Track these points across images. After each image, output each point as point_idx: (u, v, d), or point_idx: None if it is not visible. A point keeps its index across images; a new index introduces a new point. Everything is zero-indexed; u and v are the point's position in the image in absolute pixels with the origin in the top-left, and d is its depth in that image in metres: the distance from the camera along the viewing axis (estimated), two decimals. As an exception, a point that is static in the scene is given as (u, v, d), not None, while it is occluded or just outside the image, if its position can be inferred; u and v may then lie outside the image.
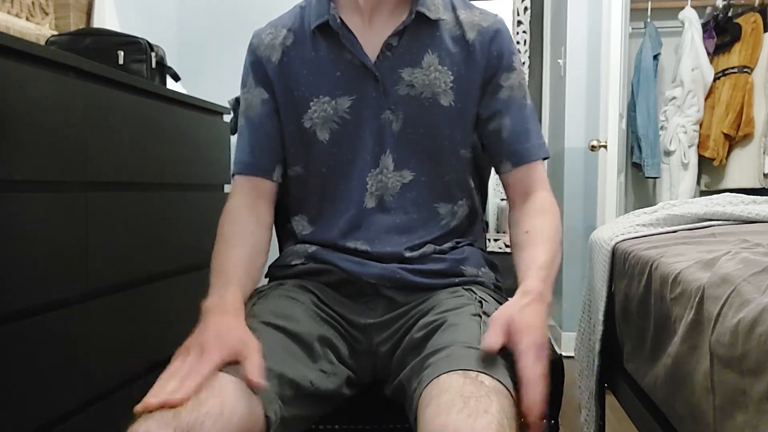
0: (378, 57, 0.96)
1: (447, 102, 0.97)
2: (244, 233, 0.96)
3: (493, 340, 0.75)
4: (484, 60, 0.99)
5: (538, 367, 0.73)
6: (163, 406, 0.65)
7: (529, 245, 0.93)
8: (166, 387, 0.68)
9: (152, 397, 0.66)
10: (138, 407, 0.65)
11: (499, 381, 0.73)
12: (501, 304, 0.95)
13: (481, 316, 0.86)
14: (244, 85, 1.05)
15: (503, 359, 0.78)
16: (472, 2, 1.05)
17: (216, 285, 0.87)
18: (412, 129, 0.97)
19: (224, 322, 0.80)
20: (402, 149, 0.98)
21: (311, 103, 0.98)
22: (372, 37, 0.97)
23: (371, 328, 0.94)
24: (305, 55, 0.99)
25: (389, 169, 0.97)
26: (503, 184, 1.04)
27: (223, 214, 0.98)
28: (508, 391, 0.73)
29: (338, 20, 0.96)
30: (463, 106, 0.98)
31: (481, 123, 1.01)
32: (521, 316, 0.78)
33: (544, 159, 1.03)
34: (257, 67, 1.02)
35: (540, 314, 0.79)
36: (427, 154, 0.98)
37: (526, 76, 3.31)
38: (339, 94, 0.97)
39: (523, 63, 3.32)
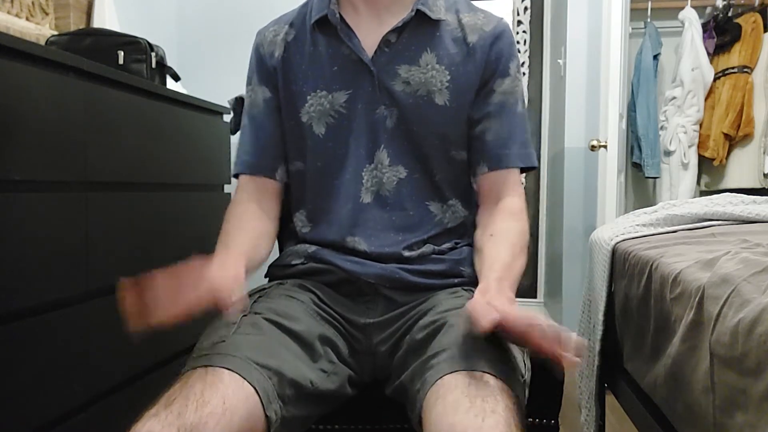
0: (375, 52, 0.97)
1: (442, 101, 0.97)
2: (250, 219, 0.99)
3: (482, 323, 0.70)
4: (483, 62, 0.99)
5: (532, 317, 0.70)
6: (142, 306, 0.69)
7: (491, 247, 0.93)
8: (146, 284, 0.71)
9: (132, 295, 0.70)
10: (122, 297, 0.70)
11: (504, 381, 0.73)
12: None
13: None
14: (248, 83, 1.06)
15: (506, 359, 0.78)
16: (475, 2, 1.05)
17: (218, 253, 0.90)
18: (405, 126, 0.97)
19: (217, 266, 0.82)
20: (396, 145, 0.98)
21: (308, 97, 0.99)
22: (371, 32, 0.97)
23: (371, 328, 0.94)
24: (305, 50, 1.00)
25: (384, 164, 0.98)
26: (476, 187, 1.03)
27: (228, 207, 1.01)
28: (513, 391, 0.73)
29: (337, 15, 0.96)
30: (458, 106, 0.98)
31: (468, 124, 1.01)
32: (491, 301, 0.76)
33: (531, 169, 1.02)
34: (261, 65, 1.03)
35: (507, 301, 0.78)
36: (418, 152, 0.98)
37: (526, 78, 3.31)
38: (336, 89, 0.97)
39: (523, 63, 3.32)
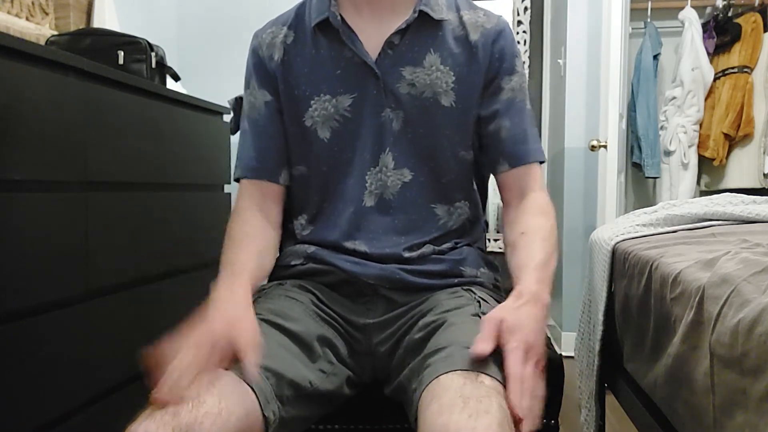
0: (379, 55, 0.96)
1: (448, 102, 0.97)
2: (254, 232, 0.97)
3: (482, 344, 0.74)
4: (487, 61, 0.98)
5: (527, 367, 0.73)
6: (177, 403, 0.65)
7: (525, 245, 0.92)
8: (180, 383, 0.68)
9: (166, 394, 0.66)
10: (155, 397, 0.65)
11: (499, 381, 0.73)
12: (500, 303, 0.95)
13: (480, 317, 0.86)
14: (247, 86, 1.04)
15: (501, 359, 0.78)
16: (475, 2, 1.05)
17: (225, 277, 0.88)
18: (411, 128, 0.97)
19: (234, 313, 0.80)
20: (402, 148, 0.97)
21: (312, 102, 0.98)
22: (374, 35, 0.96)
23: (370, 328, 0.94)
24: (306, 53, 0.99)
25: (389, 167, 0.97)
26: (498, 184, 1.04)
27: (231, 216, 0.99)
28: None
29: (338, 17, 0.96)
30: (464, 107, 0.98)
31: (480, 123, 1.01)
32: (513, 316, 0.77)
33: (540, 163, 1.03)
34: (260, 68, 1.02)
35: (533, 315, 0.79)
36: (425, 154, 0.98)
37: (527, 77, 3.31)
38: (340, 92, 0.97)
39: (523, 63, 3.32)
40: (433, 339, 0.82)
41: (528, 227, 0.95)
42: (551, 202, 1.01)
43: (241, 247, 0.94)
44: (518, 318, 0.77)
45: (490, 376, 0.73)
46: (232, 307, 0.81)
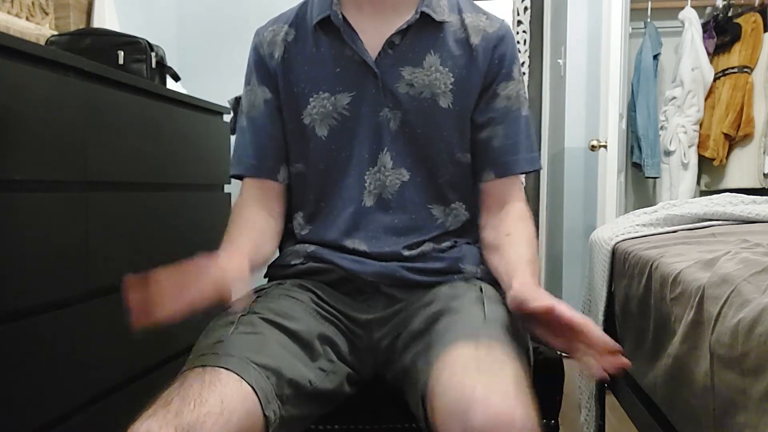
0: (379, 54, 0.96)
1: (446, 104, 0.97)
2: (252, 220, 0.99)
3: (537, 302, 0.76)
4: (486, 65, 0.99)
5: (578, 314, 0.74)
6: (142, 311, 0.68)
7: (511, 245, 0.95)
8: (154, 294, 0.69)
9: (136, 301, 0.69)
10: (127, 293, 0.68)
11: (510, 348, 0.75)
12: (500, 294, 0.96)
13: (483, 302, 0.87)
14: (247, 83, 1.05)
15: (510, 334, 0.80)
16: (476, 3, 1.05)
17: (223, 251, 0.90)
18: (409, 128, 0.97)
19: (227, 266, 0.82)
20: (399, 148, 0.98)
21: (311, 99, 0.98)
22: (374, 34, 0.97)
23: (371, 324, 0.95)
24: (306, 51, 0.99)
25: (387, 167, 0.98)
26: (481, 190, 1.04)
27: (232, 210, 1.01)
28: (519, 357, 0.75)
29: (340, 16, 0.96)
30: (461, 109, 0.98)
31: (473, 129, 1.01)
32: (535, 292, 0.80)
33: (534, 171, 1.04)
34: (260, 66, 1.02)
35: (547, 296, 0.80)
36: (422, 155, 0.98)
37: (526, 78, 3.31)
38: (339, 90, 0.97)
39: (523, 63, 3.32)
40: (438, 324, 0.83)
41: (513, 230, 0.97)
42: (530, 213, 1.03)
43: (240, 231, 0.96)
44: (540, 293, 0.80)
45: (500, 343, 0.74)
46: (227, 263, 0.83)
